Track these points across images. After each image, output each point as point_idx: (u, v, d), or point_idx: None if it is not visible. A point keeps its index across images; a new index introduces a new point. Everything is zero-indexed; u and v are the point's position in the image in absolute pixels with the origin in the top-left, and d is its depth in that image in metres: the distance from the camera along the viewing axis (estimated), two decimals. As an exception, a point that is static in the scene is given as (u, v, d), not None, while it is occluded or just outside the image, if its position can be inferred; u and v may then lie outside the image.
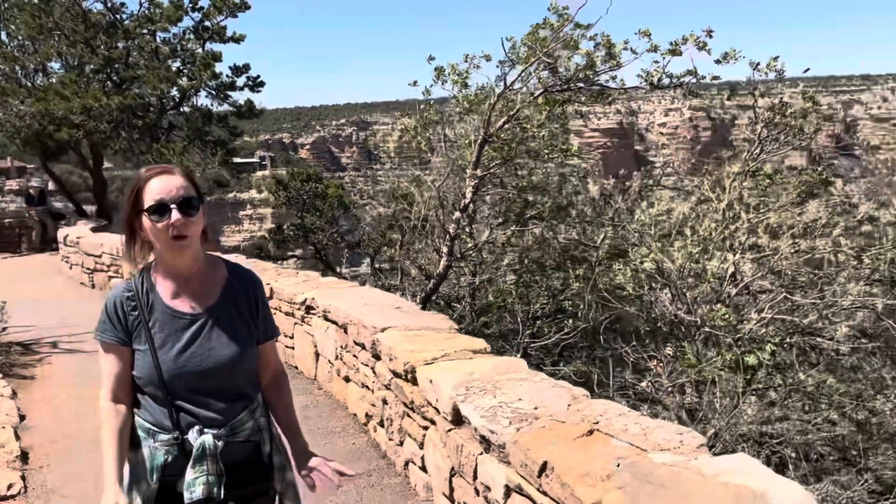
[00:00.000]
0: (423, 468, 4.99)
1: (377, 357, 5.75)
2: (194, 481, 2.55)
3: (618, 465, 3.20)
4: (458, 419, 4.38)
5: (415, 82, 9.30)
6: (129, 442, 2.67)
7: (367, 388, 6.00)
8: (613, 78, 7.06)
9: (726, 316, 5.07)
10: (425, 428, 4.90)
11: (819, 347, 5.53)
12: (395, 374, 5.30)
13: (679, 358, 5.24)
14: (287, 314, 7.94)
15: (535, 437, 3.60)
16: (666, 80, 6.71)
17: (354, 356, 6.29)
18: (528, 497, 3.54)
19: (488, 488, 3.94)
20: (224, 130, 17.91)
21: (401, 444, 5.35)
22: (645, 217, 6.25)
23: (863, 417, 4.99)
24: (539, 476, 3.41)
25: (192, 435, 2.55)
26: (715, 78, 6.70)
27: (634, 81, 6.97)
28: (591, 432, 3.57)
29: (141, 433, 2.65)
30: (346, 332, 6.51)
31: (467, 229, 7.33)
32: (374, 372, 5.84)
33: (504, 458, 3.80)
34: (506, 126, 7.25)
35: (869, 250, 5.50)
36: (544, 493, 3.40)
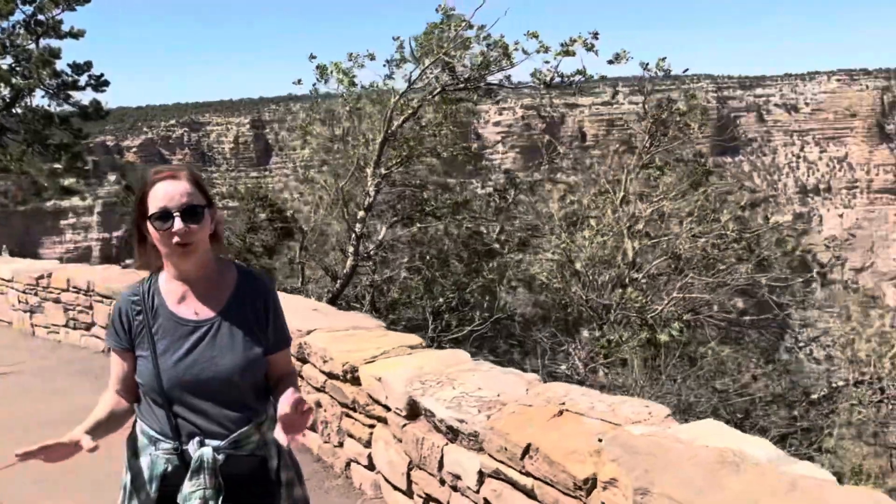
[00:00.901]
0: (370, 466, 5.00)
1: (304, 361, 5.68)
2: (191, 495, 2.48)
3: (599, 440, 3.43)
4: (413, 413, 4.44)
5: (299, 81, 9.21)
6: (131, 450, 2.61)
7: (294, 392, 5.89)
8: (508, 77, 7.37)
9: (639, 298, 5.51)
10: (371, 426, 4.91)
11: (715, 322, 6.15)
12: (331, 376, 5.26)
13: (597, 340, 5.61)
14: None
15: (510, 421, 3.75)
16: (558, 80, 7.10)
17: (274, 362, 6.15)
18: (508, 480, 3.69)
19: (458, 477, 4.04)
20: (67, 133, 16.58)
21: (340, 445, 5.32)
22: (553, 209, 6.60)
23: (753, 381, 5.63)
24: (522, 458, 3.56)
25: (191, 446, 2.48)
26: (603, 77, 7.20)
27: (532, 81, 7.31)
28: (560, 413, 3.77)
29: (144, 440, 2.58)
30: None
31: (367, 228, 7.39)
32: (301, 377, 5.75)
33: (475, 446, 3.92)
34: (405, 125, 7.36)
35: (748, 232, 6.21)
36: (528, 475, 3.56)
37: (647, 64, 6.66)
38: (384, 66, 8.70)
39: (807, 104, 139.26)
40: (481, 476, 3.89)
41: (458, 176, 8.21)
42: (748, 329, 6.45)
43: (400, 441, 4.56)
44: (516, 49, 7.23)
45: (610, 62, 6.74)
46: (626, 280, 5.83)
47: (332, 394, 5.30)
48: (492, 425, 3.77)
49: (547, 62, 7.30)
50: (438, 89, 7.29)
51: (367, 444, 4.97)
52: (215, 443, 2.48)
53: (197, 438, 2.48)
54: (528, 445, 3.52)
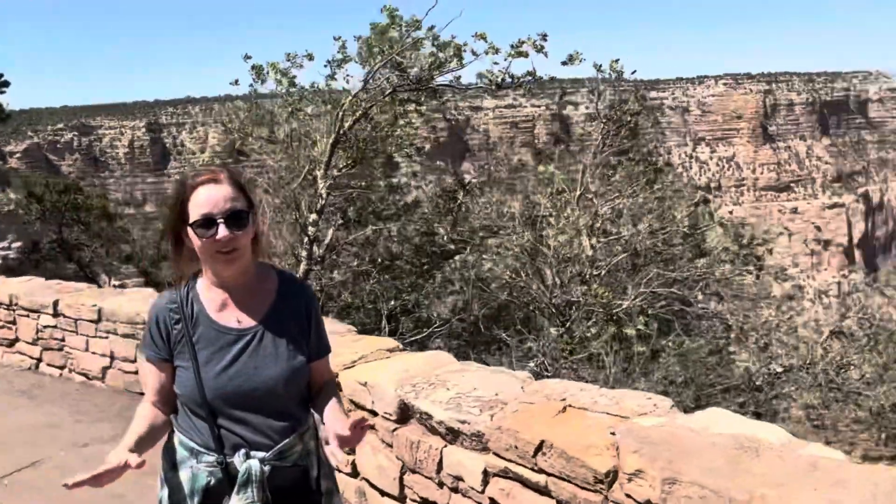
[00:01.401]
0: (353, 473, 4.91)
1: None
2: None
3: (612, 434, 3.49)
4: (403, 417, 4.39)
5: (236, 81, 8.96)
6: (169, 462, 2.53)
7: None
8: (458, 78, 7.40)
9: (605, 294, 5.64)
10: (355, 432, 4.82)
11: (681, 314, 6.38)
12: (307, 383, 5.13)
13: (562, 337, 5.70)
14: (126, 336, 7.22)
15: (517, 419, 3.76)
16: (508, 81, 7.18)
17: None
18: (518, 478, 3.70)
19: (459, 478, 4.02)
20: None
21: (318, 453, 5.19)
22: (515, 209, 6.67)
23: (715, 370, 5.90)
24: (534, 455, 3.58)
25: (237, 458, 2.41)
26: (553, 78, 7.34)
27: (480, 82, 7.37)
28: (564, 409, 3.81)
29: (183, 452, 2.49)
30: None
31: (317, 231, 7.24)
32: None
33: (478, 446, 3.92)
34: (355, 126, 7.25)
35: (699, 227, 6.49)
36: (541, 471, 3.58)
37: (601, 66, 6.88)
38: (325, 66, 8.61)
39: (698, 107, 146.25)
40: (486, 476, 3.89)
41: (409, 177, 8.22)
42: (700, 320, 6.74)
43: (390, 446, 4.50)
44: (464, 51, 7.28)
45: (564, 63, 6.92)
46: (588, 277, 5.97)
47: (307, 401, 5.17)
48: (499, 424, 3.77)
49: (496, 63, 7.40)
50: (389, 90, 7.25)
51: (350, 451, 4.88)
52: (261, 454, 2.41)
53: (243, 450, 2.41)
54: (542, 442, 3.54)
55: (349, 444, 2.41)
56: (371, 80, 7.14)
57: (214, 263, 2.41)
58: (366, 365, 4.91)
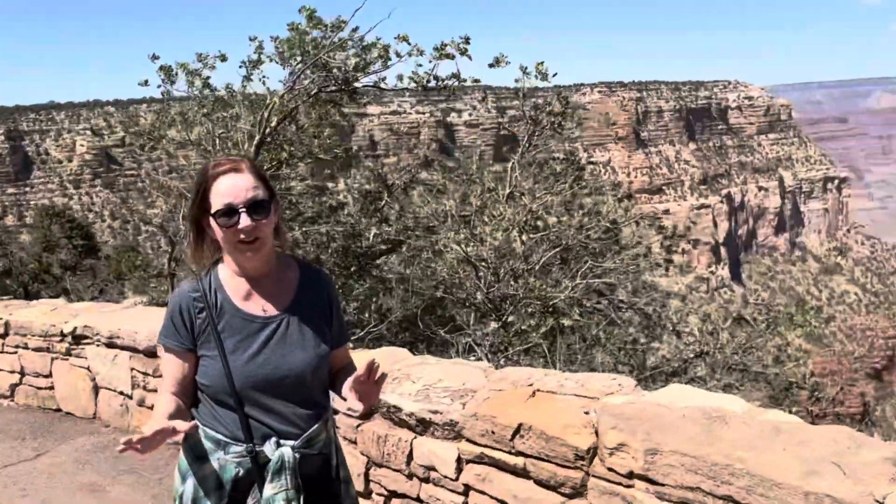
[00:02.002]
0: (310, 474, 4.86)
1: (215, 374, 5.38)
2: (274, 497, 2.40)
3: (586, 413, 3.67)
4: (367, 413, 4.42)
5: (146, 81, 8.65)
6: (193, 456, 2.50)
7: (203, 409, 5.55)
8: (383, 79, 7.44)
9: (543, 287, 5.84)
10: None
11: (607, 305, 6.71)
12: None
13: (503, 330, 5.86)
14: (39, 350, 6.80)
15: (491, 406, 3.88)
16: (434, 83, 7.30)
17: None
18: (494, 462, 3.82)
19: (431, 468, 4.10)
20: None
21: (271, 456, 5.11)
22: (447, 206, 6.76)
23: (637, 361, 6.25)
24: (512, 439, 3.71)
25: (268, 447, 2.41)
26: (476, 80, 7.51)
27: (400, 83, 7.43)
28: (534, 394, 3.96)
29: (209, 444, 2.46)
30: (151, 356, 5.91)
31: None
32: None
33: (450, 435, 4.01)
34: (279, 127, 7.14)
35: (619, 222, 6.86)
36: (519, 454, 3.72)
37: (526, 68, 7.11)
38: (241, 67, 8.44)
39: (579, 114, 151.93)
40: (459, 464, 3.98)
41: (339, 178, 8.14)
42: (619, 311, 7.11)
43: (354, 442, 4.52)
44: (390, 52, 7.34)
45: (491, 66, 7.11)
46: (521, 271, 6.18)
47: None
48: (474, 411, 3.88)
49: (420, 65, 7.50)
50: (315, 90, 7.19)
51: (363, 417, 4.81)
52: (290, 442, 2.42)
53: (273, 439, 2.41)
54: (520, 425, 3.68)
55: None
56: (297, 81, 7.06)
57: (237, 253, 2.39)
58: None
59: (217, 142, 7.59)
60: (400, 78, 7.74)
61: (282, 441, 2.41)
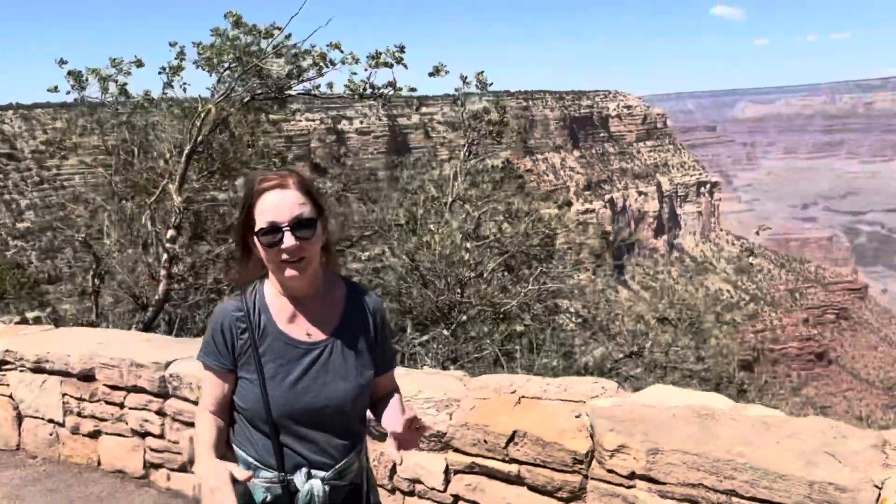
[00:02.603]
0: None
1: (164, 396, 5.12)
2: None
3: (577, 417, 3.73)
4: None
5: (55, 88, 8.15)
6: None
7: (151, 434, 5.25)
8: (317, 87, 7.28)
9: (495, 294, 5.88)
10: (281, 451, 4.63)
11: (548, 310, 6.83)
12: (217, 406, 4.83)
13: (454, 337, 5.85)
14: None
15: (481, 415, 3.88)
16: (370, 91, 7.22)
17: (115, 404, 5.42)
18: (486, 472, 3.82)
19: (416, 481, 4.05)
20: None
21: (232, 479, 4.89)
22: (396, 215, 6.67)
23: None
24: (506, 446, 3.72)
25: (298, 478, 2.32)
26: (412, 89, 7.49)
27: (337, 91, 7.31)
28: (520, 400, 3.99)
29: (240, 466, 2.33)
30: (87, 380, 5.54)
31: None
32: (162, 415, 5.17)
33: (438, 446, 3.98)
34: (214, 135, 6.85)
35: (557, 229, 7.02)
36: (513, 461, 3.73)
37: (466, 77, 7.14)
38: (160, 73, 8.07)
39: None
40: (447, 475, 3.96)
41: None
42: (555, 315, 7.27)
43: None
44: (324, 61, 7.22)
45: (431, 74, 7.08)
46: (468, 279, 6.20)
47: (216, 426, 4.86)
48: (464, 421, 3.86)
49: (354, 73, 7.41)
50: (248, 97, 6.95)
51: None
52: (321, 473, 2.33)
53: (304, 469, 2.32)
54: (514, 432, 3.69)
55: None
56: (232, 88, 6.80)
57: (281, 273, 2.27)
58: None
59: (137, 150, 7.22)
60: (330, 86, 7.63)
61: (313, 472, 2.32)
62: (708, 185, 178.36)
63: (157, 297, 6.52)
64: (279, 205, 2.22)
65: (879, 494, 2.85)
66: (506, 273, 6.60)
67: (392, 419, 2.37)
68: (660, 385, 4.13)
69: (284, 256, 2.22)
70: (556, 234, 6.86)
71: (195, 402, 4.93)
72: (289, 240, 2.20)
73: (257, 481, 2.31)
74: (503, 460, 3.75)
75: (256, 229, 2.24)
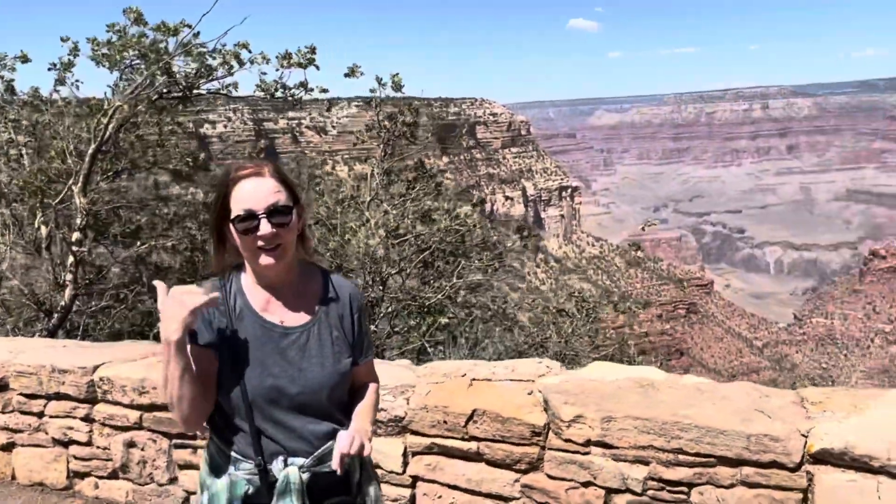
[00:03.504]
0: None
1: (92, 402, 4.95)
2: None
3: (529, 394, 4.00)
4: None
5: (-70, 84, 7.60)
6: (208, 468, 2.43)
7: (77, 442, 5.04)
8: (227, 87, 7.14)
9: (419, 289, 6.01)
10: (227, 448, 4.60)
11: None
12: (158, 408, 4.73)
13: (376, 332, 5.95)
14: None
15: (439, 397, 4.06)
16: (281, 92, 7.18)
17: (33, 414, 5.15)
18: (445, 451, 4.01)
19: (375, 466, 4.16)
20: None
21: (171, 482, 4.80)
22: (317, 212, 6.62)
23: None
24: (465, 425, 3.93)
25: (276, 465, 2.32)
26: (324, 91, 7.51)
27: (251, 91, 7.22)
28: (471, 383, 4.21)
29: (221, 459, 2.39)
30: (8, 387, 5.26)
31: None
32: (89, 421, 4.98)
33: (395, 430, 4.13)
34: (121, 135, 6.57)
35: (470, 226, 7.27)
36: (472, 439, 3.94)
37: (382, 79, 7.23)
38: (50, 69, 7.66)
39: (333, 127, 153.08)
40: (405, 457, 4.11)
41: (187, 188, 7.54)
42: (468, 309, 7.55)
43: (280, 452, 4.42)
44: (238, 59, 7.12)
45: (346, 75, 7.12)
46: (389, 275, 6.31)
47: (154, 428, 4.76)
48: (423, 404, 4.03)
49: (264, 73, 7.36)
50: (155, 96, 6.72)
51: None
52: (300, 461, 2.32)
53: (281, 457, 2.32)
54: (474, 411, 3.91)
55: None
56: (144, 86, 6.56)
57: (256, 261, 2.28)
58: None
59: (25, 151, 6.86)
60: (234, 86, 7.53)
61: (290, 459, 2.31)
62: (569, 190, 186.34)
63: (63, 302, 6.20)
64: (255, 192, 2.25)
65: (806, 441, 3.28)
66: (427, 269, 6.80)
67: (343, 435, 2.33)
68: (599, 362, 4.47)
69: (260, 243, 2.24)
70: (472, 231, 7.12)
71: (129, 406, 4.80)
72: (265, 227, 2.22)
73: (239, 473, 2.32)
74: (462, 438, 3.95)
75: (232, 216, 2.25)
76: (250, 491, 2.32)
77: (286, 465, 2.31)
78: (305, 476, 2.31)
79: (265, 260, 2.28)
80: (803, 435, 3.31)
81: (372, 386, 2.63)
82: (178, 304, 2.14)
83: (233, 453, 2.34)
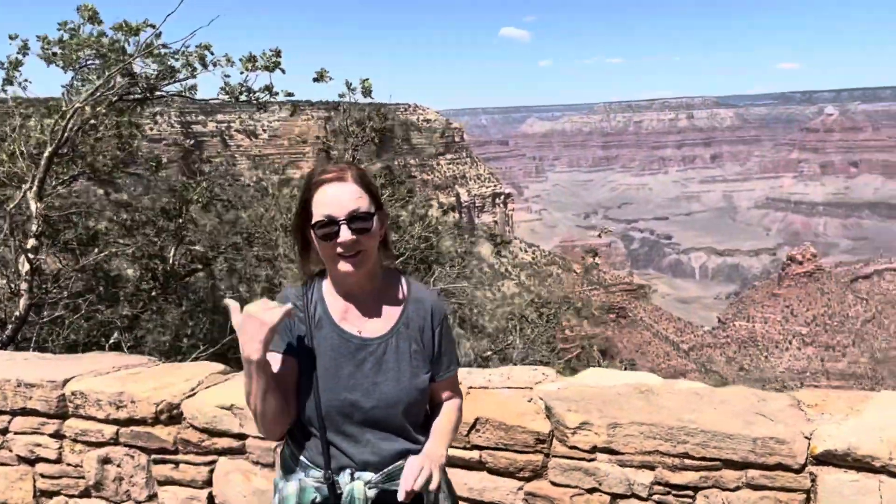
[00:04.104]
0: (207, 509, 4.50)
1: (63, 417, 4.72)
2: None
3: (529, 401, 4.00)
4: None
5: None
6: (282, 471, 2.42)
7: (45, 460, 4.78)
8: (190, 89, 6.92)
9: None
10: (212, 462, 4.45)
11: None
12: (132, 423, 4.54)
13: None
14: None
15: (438, 407, 4.01)
16: (245, 95, 7.01)
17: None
18: (447, 461, 3.94)
19: (371, 478, 4.09)
20: None
21: (151, 498, 4.60)
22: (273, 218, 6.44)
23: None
24: (468, 434, 3.90)
25: (343, 478, 2.28)
26: (289, 94, 7.37)
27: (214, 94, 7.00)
28: (468, 391, 4.18)
29: (293, 463, 2.37)
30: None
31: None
32: (59, 437, 4.74)
33: (393, 441, 4.05)
34: (76, 137, 6.26)
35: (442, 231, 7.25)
36: (474, 447, 3.92)
37: (351, 83, 7.11)
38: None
39: (264, 130, 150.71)
40: (404, 468, 4.04)
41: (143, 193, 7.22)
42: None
43: (269, 466, 4.30)
44: (203, 61, 6.92)
45: (315, 80, 6.96)
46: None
47: (131, 443, 4.56)
48: (423, 414, 3.97)
49: (228, 76, 7.17)
50: (115, 98, 6.45)
51: (205, 484, 4.47)
52: (367, 476, 2.28)
53: (348, 470, 2.28)
54: (477, 419, 3.88)
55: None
56: (107, 86, 6.28)
57: (336, 267, 2.25)
58: (209, 391, 4.56)
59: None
60: (193, 88, 7.33)
61: (357, 474, 2.27)
62: (502, 196, 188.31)
63: (17, 312, 5.86)
64: (336, 198, 2.21)
65: (809, 444, 3.38)
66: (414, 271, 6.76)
67: (414, 461, 2.26)
68: (593, 368, 4.51)
69: (340, 250, 2.21)
70: (442, 237, 7.10)
71: (104, 420, 4.59)
72: (345, 233, 2.19)
73: (309, 480, 2.29)
74: (465, 448, 3.91)
75: (313, 222, 2.22)
76: (318, 499, 2.29)
77: (353, 478, 2.27)
78: (372, 492, 2.26)
79: (344, 267, 2.23)
80: (806, 437, 3.40)
81: (454, 402, 2.56)
82: (256, 322, 2.08)
83: (303, 458, 2.31)
